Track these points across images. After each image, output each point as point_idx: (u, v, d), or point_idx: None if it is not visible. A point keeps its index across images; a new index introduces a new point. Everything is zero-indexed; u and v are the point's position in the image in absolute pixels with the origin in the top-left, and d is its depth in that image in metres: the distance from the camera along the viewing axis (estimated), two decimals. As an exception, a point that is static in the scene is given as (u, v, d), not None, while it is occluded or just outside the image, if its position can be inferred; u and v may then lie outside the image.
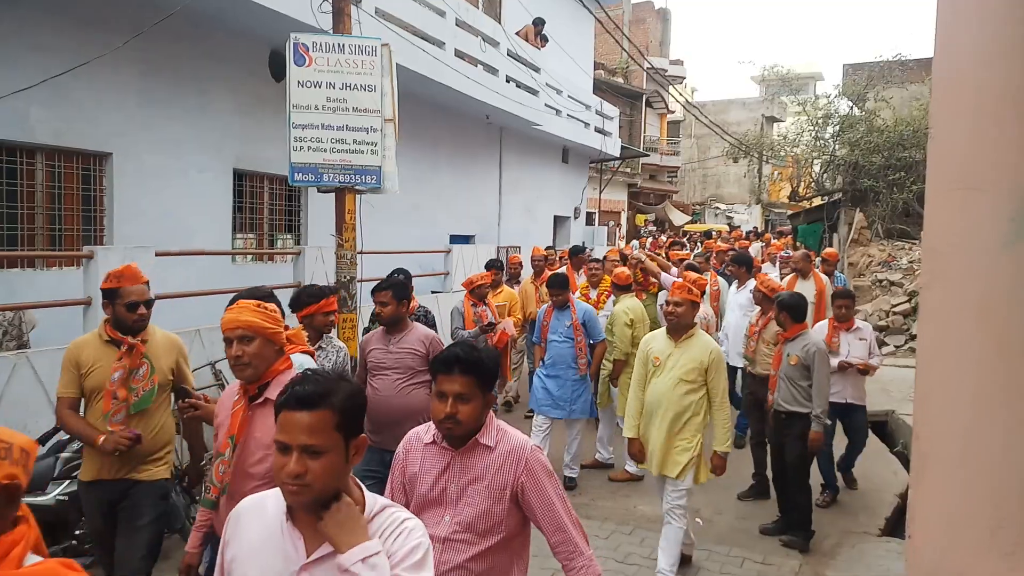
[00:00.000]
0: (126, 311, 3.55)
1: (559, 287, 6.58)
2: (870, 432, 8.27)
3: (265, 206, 9.51)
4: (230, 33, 8.43)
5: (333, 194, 7.00)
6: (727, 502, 6.16)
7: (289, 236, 9.94)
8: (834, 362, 6.04)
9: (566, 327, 6.49)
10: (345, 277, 6.70)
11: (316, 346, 4.44)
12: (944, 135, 3.09)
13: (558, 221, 19.34)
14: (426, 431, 2.57)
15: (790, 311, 5.54)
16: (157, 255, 6.10)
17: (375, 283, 5.03)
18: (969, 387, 2.85)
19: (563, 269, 9.98)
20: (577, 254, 9.77)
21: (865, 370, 6.27)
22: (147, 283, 3.69)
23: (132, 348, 3.55)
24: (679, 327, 4.70)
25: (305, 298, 4.50)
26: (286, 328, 2.95)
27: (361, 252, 7.08)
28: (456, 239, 13.27)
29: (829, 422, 5.52)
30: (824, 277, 8.63)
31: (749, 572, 4.91)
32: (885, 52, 40.82)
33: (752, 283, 7.78)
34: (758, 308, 6.79)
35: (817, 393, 5.30)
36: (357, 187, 6.80)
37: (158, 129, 7.83)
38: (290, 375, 2.76)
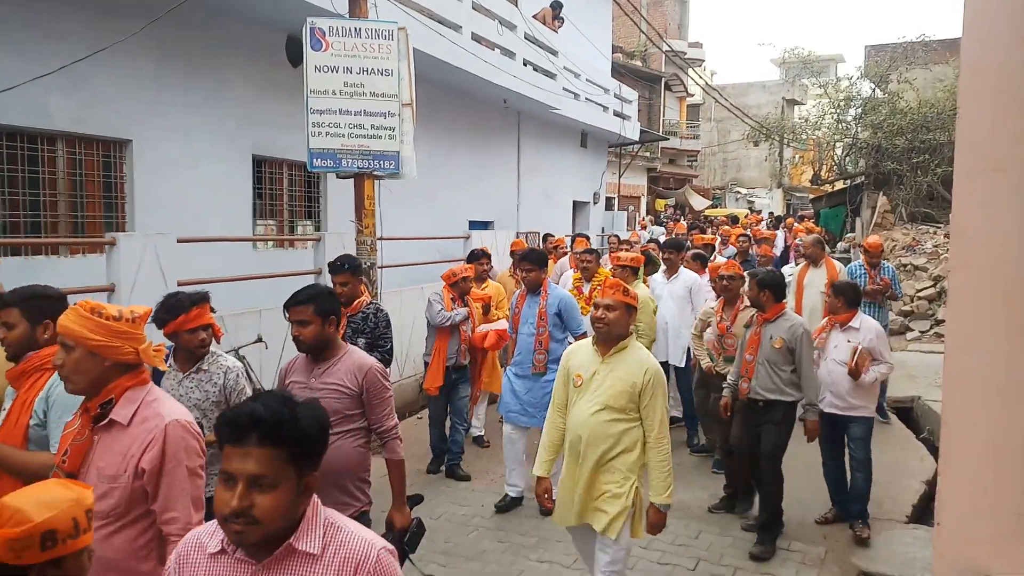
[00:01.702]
0: None
1: (533, 262, 5.77)
2: (894, 418, 8.25)
3: (284, 192, 9.52)
4: (246, 18, 8.41)
5: (351, 180, 7.00)
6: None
7: (309, 222, 9.95)
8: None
9: (535, 315, 5.67)
10: (366, 263, 6.70)
11: (195, 367, 3.66)
12: (971, 116, 3.01)
13: (577, 206, 19.24)
14: (211, 534, 1.77)
15: (772, 288, 5.10)
16: (179, 242, 6.12)
17: (294, 295, 3.58)
18: (997, 373, 2.78)
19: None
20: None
21: (855, 373, 5.17)
22: None
23: None
24: (609, 337, 3.67)
25: (162, 314, 3.57)
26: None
27: (381, 238, 7.08)
28: (475, 224, 13.23)
29: (823, 408, 5.18)
30: (838, 264, 7.92)
31: (775, 559, 4.86)
32: (909, 33, 40.20)
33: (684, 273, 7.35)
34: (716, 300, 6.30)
35: (807, 379, 4.97)
36: (376, 172, 6.79)
37: (176, 116, 7.84)
38: (143, 392, 2.44)
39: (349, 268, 5.29)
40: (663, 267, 7.68)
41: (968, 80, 2.92)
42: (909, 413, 8.83)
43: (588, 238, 10.39)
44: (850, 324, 5.40)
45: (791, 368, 4.98)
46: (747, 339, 5.22)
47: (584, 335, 5.53)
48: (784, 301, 5.22)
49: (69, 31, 6.73)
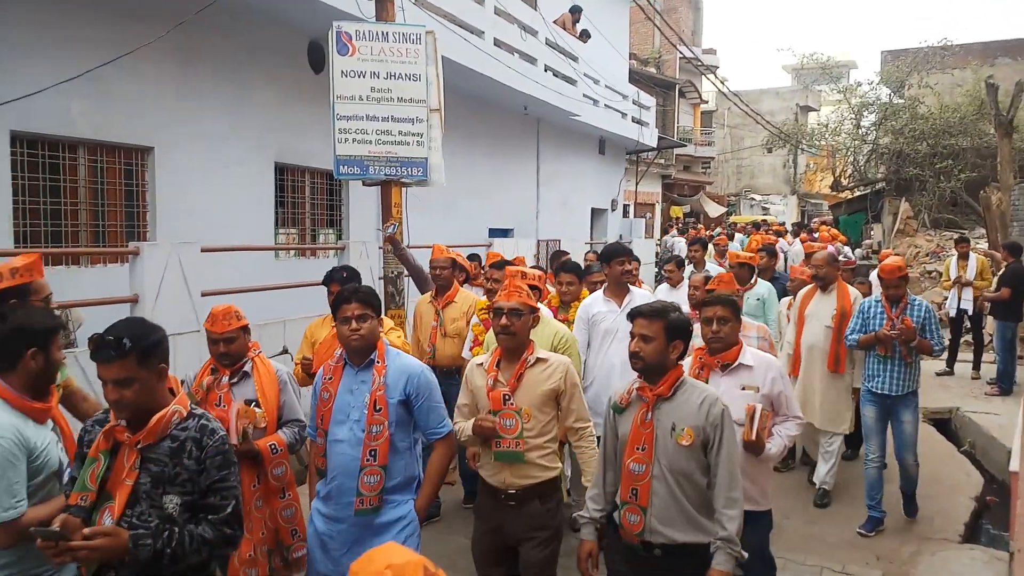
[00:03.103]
0: None
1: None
2: (933, 429, 7.99)
3: (307, 200, 9.36)
4: (268, 23, 8.27)
5: (376, 188, 6.83)
6: (794, 506, 5.85)
7: (331, 231, 9.79)
8: None
9: (362, 403, 3.10)
10: (392, 272, 6.53)
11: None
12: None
13: (595, 214, 19.05)
14: None
15: (681, 335, 2.92)
16: (203, 251, 5.95)
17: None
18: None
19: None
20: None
21: (754, 444, 3.31)
22: None
23: None
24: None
25: None
26: None
27: (408, 247, 6.90)
28: (494, 232, 13.07)
29: (746, 554, 2.80)
30: (854, 292, 5.91)
31: (828, 584, 4.64)
32: (930, 38, 39.90)
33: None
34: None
35: (725, 493, 2.80)
36: (403, 180, 6.62)
37: (199, 123, 7.69)
38: None
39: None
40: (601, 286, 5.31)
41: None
42: (947, 425, 8.57)
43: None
44: (740, 361, 3.47)
45: (707, 479, 2.85)
46: (627, 433, 2.92)
47: (447, 438, 3.27)
48: (680, 364, 2.95)
49: (91, 36, 6.59)
